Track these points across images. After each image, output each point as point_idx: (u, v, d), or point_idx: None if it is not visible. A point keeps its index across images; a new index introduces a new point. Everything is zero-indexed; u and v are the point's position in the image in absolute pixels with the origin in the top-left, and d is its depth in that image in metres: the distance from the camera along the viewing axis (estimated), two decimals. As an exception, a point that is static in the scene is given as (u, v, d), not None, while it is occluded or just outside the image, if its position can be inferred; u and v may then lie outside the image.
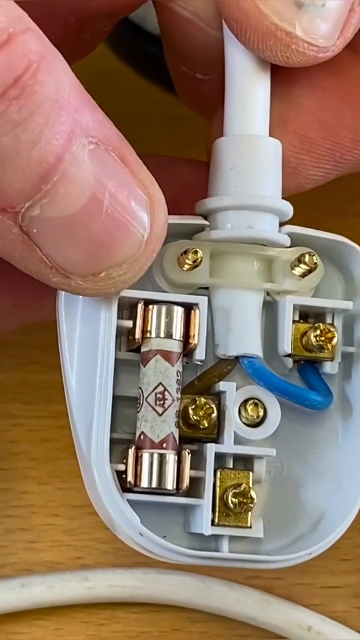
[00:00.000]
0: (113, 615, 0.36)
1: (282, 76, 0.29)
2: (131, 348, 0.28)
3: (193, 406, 0.28)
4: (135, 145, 0.28)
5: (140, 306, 0.28)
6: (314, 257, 0.28)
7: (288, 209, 0.29)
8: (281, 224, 0.29)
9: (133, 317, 0.28)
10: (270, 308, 0.29)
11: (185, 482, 0.28)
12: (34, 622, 0.36)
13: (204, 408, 0.28)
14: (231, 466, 0.29)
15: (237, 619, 0.36)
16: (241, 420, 0.29)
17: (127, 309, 0.28)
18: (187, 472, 0.28)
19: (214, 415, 0.28)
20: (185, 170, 0.33)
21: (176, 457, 0.28)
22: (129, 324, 0.28)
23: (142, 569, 0.36)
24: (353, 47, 0.31)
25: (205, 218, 0.29)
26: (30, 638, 0.36)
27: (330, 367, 0.29)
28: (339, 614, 0.36)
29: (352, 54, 0.31)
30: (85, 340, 0.28)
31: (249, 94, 0.29)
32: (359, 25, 0.29)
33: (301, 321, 0.29)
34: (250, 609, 0.36)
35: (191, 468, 0.28)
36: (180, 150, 0.36)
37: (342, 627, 0.36)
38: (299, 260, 0.28)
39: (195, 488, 0.28)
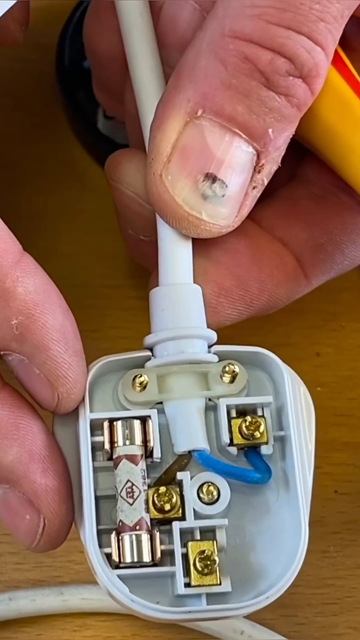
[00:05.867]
0: (85, 623, 0.38)
1: (204, 240, 0.33)
2: (108, 458, 0.31)
3: (157, 494, 0.31)
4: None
5: (106, 424, 0.31)
6: (234, 366, 0.31)
7: (212, 334, 0.32)
8: (211, 345, 0.32)
9: (103, 433, 0.31)
10: (214, 410, 0.32)
11: (158, 554, 0.30)
12: (19, 629, 0.38)
13: (166, 495, 0.31)
14: (198, 538, 0.31)
15: (185, 626, 0.38)
16: (201, 500, 0.31)
17: (101, 428, 0.31)
18: (159, 547, 0.30)
19: (175, 499, 0.31)
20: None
21: (149, 535, 0.30)
22: (101, 438, 0.31)
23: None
24: (256, 220, 0.35)
25: (151, 350, 0.32)
26: None
27: (266, 449, 0.31)
28: (268, 620, 0.38)
29: (256, 226, 0.35)
30: (73, 455, 0.31)
31: (175, 253, 0.33)
32: (253, 203, 0.32)
33: (239, 417, 0.32)
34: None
35: (164, 543, 0.30)
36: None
37: (269, 632, 0.37)
38: (224, 370, 0.32)
39: (172, 559, 0.30)
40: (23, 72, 0.46)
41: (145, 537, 0.30)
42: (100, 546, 0.30)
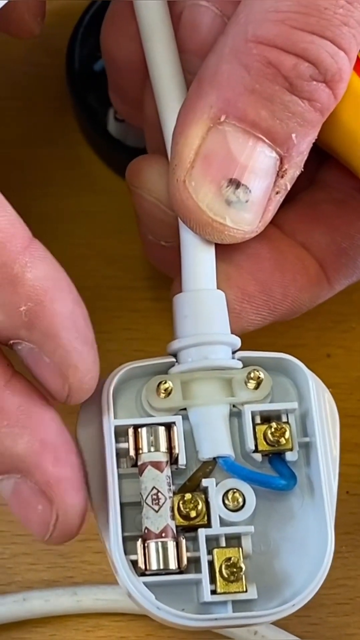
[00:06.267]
0: (98, 624, 0.38)
1: (227, 245, 0.32)
2: (133, 464, 0.31)
3: (182, 501, 0.30)
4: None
5: (130, 431, 0.30)
6: (259, 372, 0.31)
7: (236, 340, 0.32)
8: (235, 351, 0.32)
9: (127, 440, 0.31)
10: (238, 416, 0.31)
11: (184, 561, 0.30)
12: (33, 629, 0.37)
13: (192, 501, 0.30)
14: (224, 545, 0.30)
15: None
16: (226, 507, 0.30)
17: (125, 434, 0.31)
18: (185, 554, 0.30)
19: (200, 506, 0.30)
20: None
21: (175, 543, 0.30)
22: (125, 445, 0.30)
23: (122, 585, 0.37)
24: (278, 225, 0.34)
25: (175, 356, 0.32)
26: None
27: (291, 455, 0.31)
28: (281, 621, 0.36)
29: (278, 230, 0.34)
30: (96, 460, 0.31)
31: (198, 259, 0.32)
32: (276, 208, 0.32)
33: (264, 423, 0.31)
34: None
35: (190, 550, 0.30)
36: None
37: (282, 632, 0.37)
38: (248, 376, 0.31)
39: (197, 566, 0.30)
40: (33, 76, 0.46)
41: (171, 544, 0.30)
42: (126, 553, 0.30)
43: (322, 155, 0.34)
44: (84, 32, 0.44)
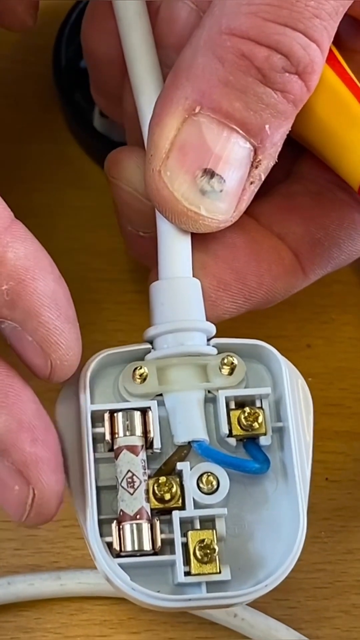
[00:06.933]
0: (81, 607, 0.37)
1: (203, 235, 0.32)
2: (109, 449, 0.31)
3: (157, 485, 0.30)
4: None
5: (106, 416, 0.30)
6: (232, 358, 0.31)
7: (211, 327, 0.32)
8: (210, 338, 0.32)
9: (104, 425, 0.30)
10: (213, 402, 0.31)
11: (158, 542, 0.29)
12: (18, 612, 0.37)
13: (166, 484, 0.30)
14: (198, 527, 0.30)
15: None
16: (201, 490, 0.30)
17: (101, 419, 0.31)
18: (159, 535, 0.29)
19: (175, 489, 0.30)
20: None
21: (149, 525, 0.30)
22: (102, 429, 0.30)
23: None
24: (254, 216, 0.34)
25: (151, 343, 0.32)
26: (15, 625, 0.37)
27: (264, 440, 0.31)
28: (260, 604, 0.37)
29: (254, 221, 0.34)
30: (73, 445, 0.31)
31: (174, 248, 0.32)
32: (251, 198, 0.32)
33: (238, 408, 0.31)
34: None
35: (164, 533, 0.30)
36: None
37: (262, 615, 0.37)
38: (222, 362, 0.31)
39: (172, 548, 0.30)
40: (21, 73, 0.46)
41: (145, 526, 0.30)
42: (102, 535, 0.29)
43: (298, 149, 0.34)
44: (70, 31, 0.44)
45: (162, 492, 0.30)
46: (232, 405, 0.31)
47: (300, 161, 0.36)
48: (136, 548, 0.29)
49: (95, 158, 0.44)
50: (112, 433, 0.30)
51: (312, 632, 0.38)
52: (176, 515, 0.30)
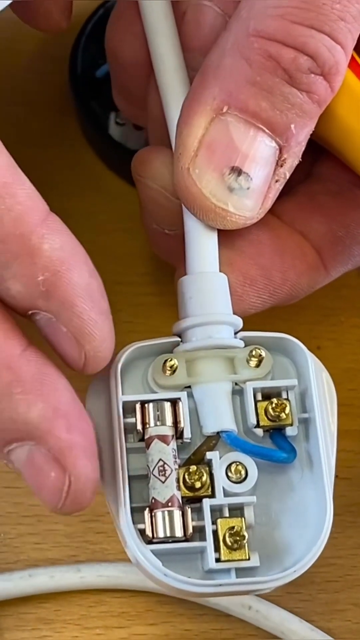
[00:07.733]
0: (100, 599, 0.37)
1: (229, 232, 0.32)
2: (140, 438, 0.31)
3: (188, 473, 0.30)
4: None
5: (137, 407, 0.30)
6: (260, 350, 0.31)
7: (238, 321, 0.32)
8: (237, 332, 0.31)
9: (135, 415, 0.30)
10: (240, 394, 0.31)
11: (189, 529, 0.29)
12: (39, 604, 0.37)
13: (197, 473, 0.30)
14: (227, 515, 0.30)
15: (196, 601, 0.37)
16: (229, 479, 0.30)
17: (132, 410, 0.31)
18: (190, 522, 0.29)
19: (205, 478, 0.30)
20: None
21: (180, 512, 0.30)
22: (132, 420, 0.30)
23: (123, 563, 0.37)
24: (278, 214, 0.34)
25: (180, 336, 0.32)
26: (35, 617, 0.37)
27: (291, 430, 0.31)
28: (274, 597, 0.37)
29: (278, 219, 0.34)
30: (105, 436, 0.30)
31: (202, 244, 0.32)
32: (276, 196, 0.32)
33: (265, 399, 0.31)
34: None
35: (195, 520, 0.30)
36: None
37: (274, 606, 0.37)
38: (250, 354, 0.31)
39: (202, 535, 0.30)
40: (38, 83, 0.46)
41: (177, 513, 0.29)
42: (133, 523, 0.29)
43: (317, 150, 0.34)
44: (87, 40, 0.44)
45: (192, 481, 0.30)
46: (259, 397, 0.31)
47: (319, 162, 0.36)
48: (168, 534, 0.29)
49: (109, 164, 0.44)
50: (144, 423, 0.30)
51: (324, 624, 0.38)
52: (207, 502, 0.30)
